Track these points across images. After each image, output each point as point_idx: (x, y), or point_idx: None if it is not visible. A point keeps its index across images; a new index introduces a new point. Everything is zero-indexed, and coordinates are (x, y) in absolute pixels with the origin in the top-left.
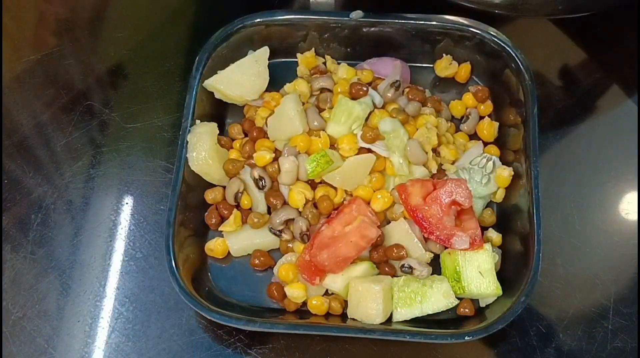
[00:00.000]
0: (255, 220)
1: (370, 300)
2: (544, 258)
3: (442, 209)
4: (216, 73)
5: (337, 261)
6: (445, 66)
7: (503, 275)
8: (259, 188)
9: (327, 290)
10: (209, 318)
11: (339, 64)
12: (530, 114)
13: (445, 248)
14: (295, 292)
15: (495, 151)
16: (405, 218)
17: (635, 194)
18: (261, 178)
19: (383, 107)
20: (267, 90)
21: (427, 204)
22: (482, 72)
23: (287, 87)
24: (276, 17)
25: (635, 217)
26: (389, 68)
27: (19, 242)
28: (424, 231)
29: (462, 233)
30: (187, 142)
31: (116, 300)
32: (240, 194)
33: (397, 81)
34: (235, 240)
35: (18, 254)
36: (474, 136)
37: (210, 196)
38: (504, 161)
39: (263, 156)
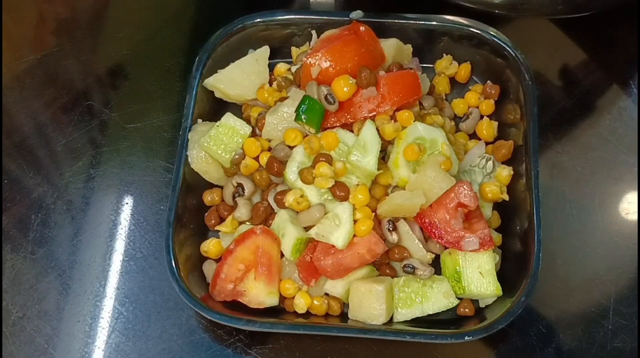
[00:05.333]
0: (248, 223)
1: (373, 301)
2: (544, 258)
3: (449, 213)
4: (216, 72)
5: (339, 269)
6: (445, 66)
7: (503, 275)
8: (239, 195)
9: None
10: (209, 318)
11: None
12: (530, 114)
13: (446, 248)
14: (301, 301)
15: (497, 150)
16: (405, 218)
17: (635, 194)
18: (239, 185)
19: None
20: None
21: (434, 210)
22: (482, 72)
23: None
24: (276, 17)
25: (635, 217)
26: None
27: (19, 242)
28: (433, 236)
29: (471, 234)
30: (188, 140)
31: (116, 300)
32: (237, 195)
33: None
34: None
35: (18, 254)
36: (472, 136)
37: (208, 197)
38: (504, 161)
39: (245, 164)
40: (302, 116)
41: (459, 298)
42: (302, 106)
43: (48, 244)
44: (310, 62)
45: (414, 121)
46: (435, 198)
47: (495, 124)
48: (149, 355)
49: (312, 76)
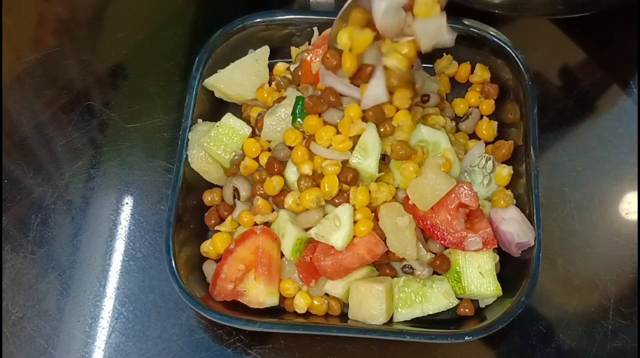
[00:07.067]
0: (246, 220)
1: (373, 300)
2: (544, 258)
3: (450, 214)
4: (216, 72)
5: (339, 270)
6: (445, 66)
7: (503, 275)
8: (237, 199)
9: None
10: (209, 318)
11: None
12: (530, 114)
13: (446, 248)
14: (301, 301)
15: (497, 150)
16: None
17: (635, 194)
18: (236, 190)
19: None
20: None
21: (435, 212)
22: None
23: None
24: (276, 17)
25: (635, 217)
26: None
27: (19, 242)
28: (435, 238)
29: (474, 234)
30: (188, 140)
31: (116, 300)
32: (237, 194)
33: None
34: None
35: (18, 254)
36: (472, 136)
37: (208, 197)
38: (504, 161)
39: (245, 165)
40: (298, 119)
41: (459, 298)
42: (297, 106)
43: (48, 244)
44: (310, 58)
45: (415, 122)
46: (437, 200)
47: (495, 124)
48: (149, 355)
49: (312, 73)
